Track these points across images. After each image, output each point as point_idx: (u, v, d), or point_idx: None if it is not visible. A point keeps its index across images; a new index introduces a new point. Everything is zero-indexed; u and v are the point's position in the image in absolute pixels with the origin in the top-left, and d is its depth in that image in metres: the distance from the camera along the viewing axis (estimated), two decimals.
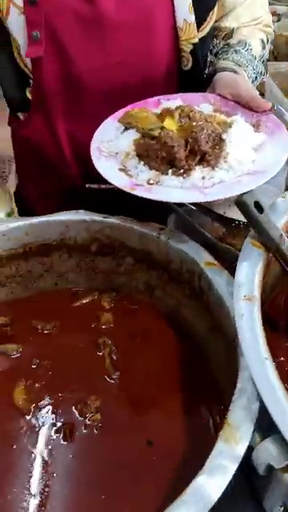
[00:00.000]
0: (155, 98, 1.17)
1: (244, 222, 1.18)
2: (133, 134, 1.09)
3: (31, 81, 1.17)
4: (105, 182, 1.33)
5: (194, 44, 1.16)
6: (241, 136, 1.03)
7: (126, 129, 1.12)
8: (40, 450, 0.87)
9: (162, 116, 1.10)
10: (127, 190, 0.97)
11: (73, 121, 1.24)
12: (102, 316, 1.08)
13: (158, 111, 1.12)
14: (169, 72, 1.20)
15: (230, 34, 1.25)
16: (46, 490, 0.82)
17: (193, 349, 1.02)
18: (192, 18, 1.13)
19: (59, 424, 0.90)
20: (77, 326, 1.08)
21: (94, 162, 1.04)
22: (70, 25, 1.11)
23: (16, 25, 1.10)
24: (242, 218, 1.13)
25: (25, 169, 1.41)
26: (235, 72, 1.16)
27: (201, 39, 1.17)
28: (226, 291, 0.88)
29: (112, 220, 1.06)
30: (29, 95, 1.20)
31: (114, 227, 1.06)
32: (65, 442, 0.87)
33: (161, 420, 0.91)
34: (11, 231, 1.03)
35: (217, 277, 0.91)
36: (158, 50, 1.16)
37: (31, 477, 0.83)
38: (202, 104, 1.14)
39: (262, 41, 1.26)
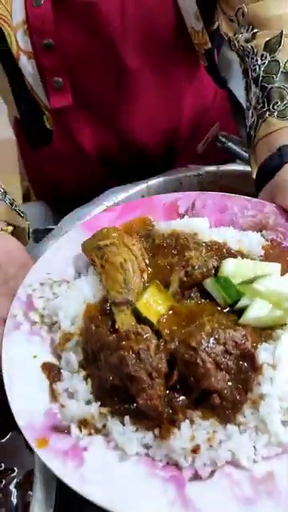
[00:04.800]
0: (173, 198, 0.79)
1: None
2: (92, 287, 0.68)
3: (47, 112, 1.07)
4: None
5: (206, 50, 1.06)
6: None
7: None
8: None
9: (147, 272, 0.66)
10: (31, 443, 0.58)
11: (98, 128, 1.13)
12: None
13: (167, 229, 0.73)
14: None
15: (274, 37, 0.83)
16: None
17: None
18: (199, 26, 1.01)
19: None
20: None
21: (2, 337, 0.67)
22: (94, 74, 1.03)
23: (26, 69, 1.00)
24: None
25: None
26: None
27: (212, 33, 1.05)
28: None
29: (227, 168, 1.02)
30: (48, 125, 1.09)
31: (229, 175, 1.01)
32: None
33: None
34: (130, 198, 0.99)
35: None
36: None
37: None
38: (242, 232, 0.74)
39: None
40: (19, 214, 0.85)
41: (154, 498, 0.54)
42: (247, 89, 0.90)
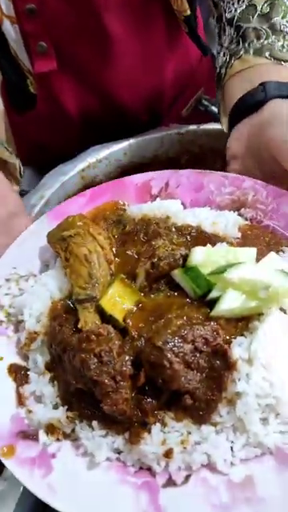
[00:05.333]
0: (146, 178, 0.71)
1: None
2: (59, 280, 0.62)
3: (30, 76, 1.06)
4: None
5: (185, 16, 1.03)
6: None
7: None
8: None
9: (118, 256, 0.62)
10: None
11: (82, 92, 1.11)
12: None
13: (139, 213, 0.67)
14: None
15: None
16: None
17: None
18: None
19: None
20: None
21: None
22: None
23: (9, 33, 0.99)
24: None
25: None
26: None
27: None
28: None
29: (207, 126, 1.01)
30: (32, 89, 1.08)
31: (209, 134, 1.01)
32: None
33: None
34: (112, 155, 1.00)
35: None
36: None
37: None
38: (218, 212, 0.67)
39: None
40: (6, 149, 0.84)
41: (126, 506, 0.50)
42: (220, 33, 0.86)
